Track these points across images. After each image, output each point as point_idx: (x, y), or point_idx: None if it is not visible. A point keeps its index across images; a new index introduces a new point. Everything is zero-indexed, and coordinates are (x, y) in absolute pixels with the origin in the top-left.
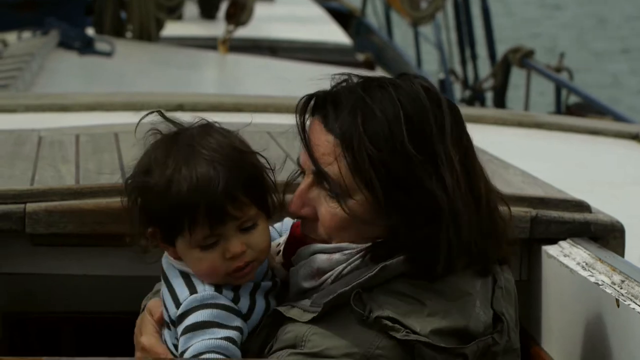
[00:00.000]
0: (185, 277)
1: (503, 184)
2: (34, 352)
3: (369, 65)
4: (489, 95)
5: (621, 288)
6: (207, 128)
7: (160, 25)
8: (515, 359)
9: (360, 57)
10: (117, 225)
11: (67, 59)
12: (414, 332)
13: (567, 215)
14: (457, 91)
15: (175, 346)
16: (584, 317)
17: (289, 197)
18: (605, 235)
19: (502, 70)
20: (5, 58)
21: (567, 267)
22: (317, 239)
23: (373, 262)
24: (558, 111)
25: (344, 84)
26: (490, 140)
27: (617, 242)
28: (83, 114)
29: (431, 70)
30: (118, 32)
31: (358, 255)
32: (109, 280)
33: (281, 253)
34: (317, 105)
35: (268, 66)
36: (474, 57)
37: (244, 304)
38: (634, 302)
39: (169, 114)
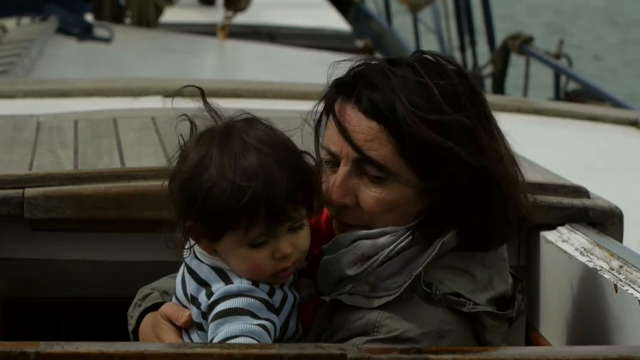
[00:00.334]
0: (219, 271)
1: None
2: (32, 337)
3: (368, 52)
4: (488, 82)
5: (619, 273)
6: (254, 122)
7: (159, 12)
8: (525, 316)
9: (359, 43)
10: (116, 210)
11: (66, 45)
12: (476, 304)
13: (566, 200)
14: None
15: None
16: (582, 302)
17: None
18: (604, 221)
19: (501, 56)
20: (4, 44)
21: (565, 252)
22: (352, 227)
23: (423, 240)
24: (557, 98)
25: (366, 66)
26: None
27: (616, 228)
28: (82, 100)
29: None
30: (117, 18)
31: (404, 237)
32: (107, 266)
33: None
34: (345, 88)
35: (267, 52)
36: (472, 43)
37: (277, 298)
38: (632, 287)
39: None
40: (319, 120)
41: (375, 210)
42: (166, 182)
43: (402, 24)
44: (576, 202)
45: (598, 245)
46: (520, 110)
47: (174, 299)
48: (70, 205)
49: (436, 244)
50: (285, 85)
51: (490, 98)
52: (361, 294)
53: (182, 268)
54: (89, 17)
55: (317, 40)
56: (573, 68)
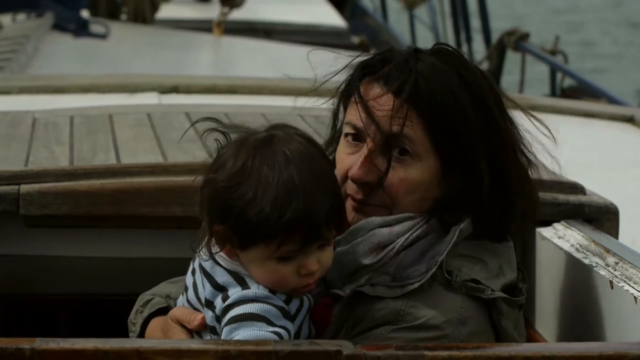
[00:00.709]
0: (236, 276)
1: None
2: (28, 334)
3: (364, 48)
4: None
5: (615, 270)
6: (292, 133)
7: (154, 8)
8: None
9: (356, 39)
10: (111, 206)
11: (61, 41)
12: (493, 290)
13: (562, 197)
14: None
15: None
16: (577, 299)
17: None
18: (600, 218)
19: (497, 53)
20: (0, 40)
21: (561, 249)
22: (370, 210)
23: (439, 228)
24: (553, 94)
25: (392, 52)
26: None
27: (611, 224)
28: (77, 96)
29: None
30: (113, 14)
31: (420, 224)
32: (103, 262)
33: None
34: (372, 68)
35: (263, 49)
36: (468, 40)
37: (294, 306)
38: (627, 283)
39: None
40: (339, 103)
41: (398, 190)
42: (161, 178)
43: (398, 20)
44: (572, 198)
45: (594, 241)
46: (515, 106)
47: (183, 302)
48: (65, 201)
49: (454, 231)
50: (281, 82)
51: None
52: (383, 284)
53: (190, 270)
54: (84, 13)
55: (313, 36)
56: (569, 64)
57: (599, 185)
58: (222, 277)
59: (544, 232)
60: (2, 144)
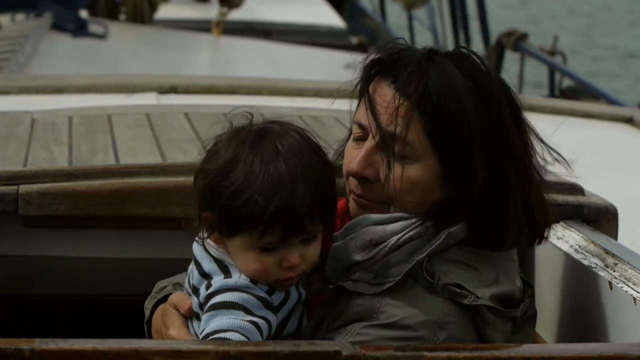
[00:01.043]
0: (220, 264)
1: None
2: (27, 334)
3: (363, 49)
4: None
5: (614, 271)
6: (288, 128)
7: (153, 8)
8: (534, 324)
9: (354, 40)
10: (110, 207)
11: (60, 41)
12: (477, 297)
13: (561, 198)
14: None
15: None
16: (577, 300)
17: None
18: (599, 218)
19: (496, 53)
20: None
21: (560, 250)
22: (367, 205)
23: (434, 231)
24: (552, 94)
25: (407, 51)
26: None
27: (610, 225)
28: (76, 96)
29: None
30: (112, 14)
31: (413, 226)
32: (101, 262)
33: None
34: (384, 68)
35: (262, 49)
36: (467, 40)
37: (277, 297)
38: (626, 284)
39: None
40: (368, 93)
41: (396, 188)
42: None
43: (397, 21)
44: (571, 199)
45: (593, 242)
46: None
47: (184, 289)
48: (64, 201)
49: (442, 233)
50: (280, 82)
51: None
52: (365, 281)
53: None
54: (83, 14)
55: (312, 36)
56: (567, 65)
57: (598, 186)
58: (208, 265)
59: None
60: (0, 144)
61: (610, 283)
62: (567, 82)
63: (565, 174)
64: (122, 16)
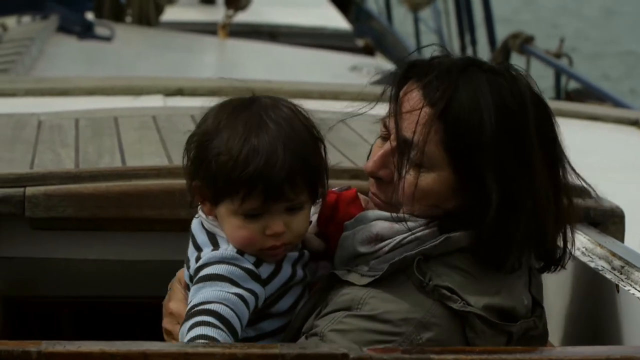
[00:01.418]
0: (211, 236)
1: None
2: (33, 336)
3: (369, 51)
4: None
5: (621, 274)
6: (279, 101)
7: (159, 10)
8: (544, 344)
9: (360, 42)
10: (117, 209)
11: (66, 44)
12: (469, 304)
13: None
14: None
15: None
16: (583, 302)
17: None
18: (605, 221)
19: (502, 56)
20: (5, 42)
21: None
22: (380, 204)
23: (440, 234)
24: (557, 97)
25: (446, 59)
26: None
27: (617, 228)
28: (83, 98)
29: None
30: (117, 16)
31: (421, 228)
32: (108, 265)
33: (314, 223)
34: (417, 73)
35: (267, 51)
36: (473, 42)
37: (265, 269)
38: (633, 287)
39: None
40: (397, 97)
41: (407, 193)
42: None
43: (402, 23)
44: (577, 202)
45: (599, 245)
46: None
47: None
48: (71, 204)
49: (441, 237)
50: (286, 84)
51: None
52: (358, 272)
53: None
54: (89, 16)
55: (318, 39)
56: (574, 67)
57: (605, 189)
58: (201, 237)
59: None
60: (7, 147)
61: (617, 286)
62: (572, 85)
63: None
64: (128, 18)
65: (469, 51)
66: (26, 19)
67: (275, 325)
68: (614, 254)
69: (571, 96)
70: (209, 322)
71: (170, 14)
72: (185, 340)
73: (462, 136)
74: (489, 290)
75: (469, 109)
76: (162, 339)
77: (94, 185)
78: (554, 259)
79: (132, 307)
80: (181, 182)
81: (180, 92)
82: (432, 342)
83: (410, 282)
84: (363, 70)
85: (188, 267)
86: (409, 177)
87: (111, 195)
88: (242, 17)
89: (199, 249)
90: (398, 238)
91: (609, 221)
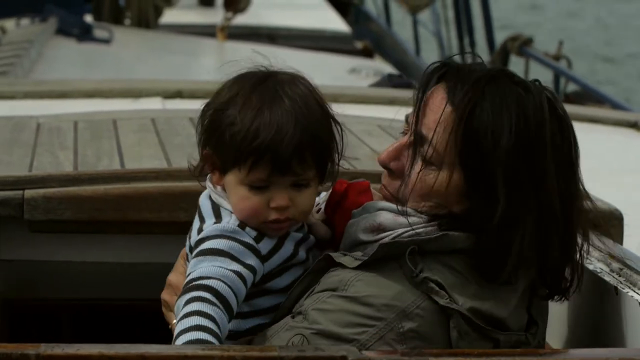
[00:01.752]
0: (216, 208)
1: None
2: (32, 339)
3: (368, 53)
4: None
5: (620, 276)
6: (297, 78)
7: (158, 13)
8: None
9: (359, 44)
10: (115, 211)
11: (65, 46)
12: (455, 303)
13: None
14: None
15: None
16: (582, 305)
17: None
18: (604, 223)
19: (501, 58)
20: (3, 45)
21: None
22: (388, 196)
23: (438, 232)
24: None
25: (481, 67)
26: None
27: (616, 230)
28: (81, 101)
29: (430, 58)
30: (116, 19)
31: (424, 224)
32: (107, 267)
33: (322, 210)
34: (447, 74)
35: (266, 53)
36: (472, 45)
37: (266, 245)
38: (632, 289)
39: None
40: (424, 94)
41: (415, 189)
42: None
43: (401, 25)
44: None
45: (598, 247)
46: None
47: None
48: (69, 206)
49: (441, 232)
50: None
51: None
52: (353, 256)
53: None
54: (88, 18)
55: (317, 41)
56: (572, 70)
57: (604, 191)
58: (206, 207)
59: None
60: (6, 149)
61: (615, 288)
62: (571, 87)
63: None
64: (127, 21)
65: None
66: (25, 21)
67: (271, 303)
68: (612, 257)
69: (570, 98)
70: (206, 298)
71: (169, 16)
72: (181, 314)
73: (477, 142)
74: (480, 295)
75: (491, 118)
76: (161, 342)
77: (93, 187)
78: (559, 287)
79: (131, 309)
80: (180, 184)
81: (179, 94)
82: (413, 333)
83: (402, 271)
84: (362, 72)
85: (189, 237)
86: (420, 174)
87: (110, 197)
88: (241, 19)
89: (202, 219)
90: (399, 231)
91: (607, 223)
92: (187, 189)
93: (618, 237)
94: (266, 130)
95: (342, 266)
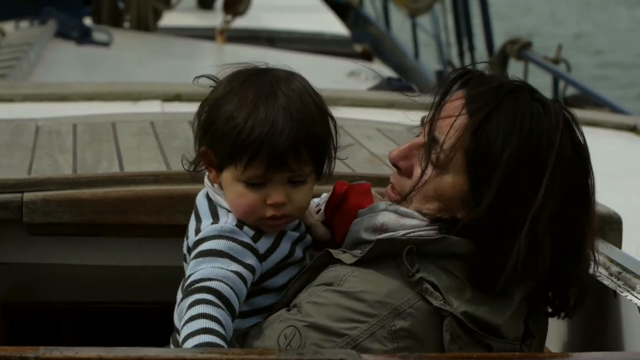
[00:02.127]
0: (213, 207)
1: None
2: (31, 342)
3: (367, 56)
4: None
5: (618, 279)
6: (293, 75)
7: (157, 15)
8: None
9: (358, 48)
10: (115, 215)
11: (64, 49)
12: (448, 303)
13: None
14: None
15: None
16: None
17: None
18: (603, 227)
19: (500, 62)
20: (2, 47)
21: None
22: (393, 197)
23: (439, 234)
24: None
25: (504, 77)
26: None
27: (615, 234)
28: (81, 104)
29: (429, 61)
30: (116, 22)
31: (426, 227)
32: (106, 270)
33: (322, 211)
34: (471, 80)
35: (266, 57)
36: (471, 48)
37: (263, 244)
38: (631, 293)
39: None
40: (443, 98)
41: (423, 189)
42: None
43: (400, 28)
44: None
45: (597, 251)
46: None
47: None
48: (68, 209)
49: (440, 233)
50: None
51: None
52: (352, 253)
53: None
54: (87, 21)
55: (316, 44)
56: (571, 73)
57: (603, 195)
58: (203, 206)
59: None
60: (5, 152)
61: (614, 292)
62: (570, 91)
63: None
64: (126, 24)
65: (467, 57)
66: (24, 24)
67: (269, 302)
68: (611, 260)
69: (569, 102)
70: (210, 301)
71: (169, 19)
72: (186, 317)
73: (484, 151)
74: (475, 300)
75: (502, 128)
76: (160, 344)
77: (92, 190)
78: (560, 305)
79: (130, 312)
80: (179, 187)
81: (178, 97)
82: (405, 332)
83: (398, 270)
84: (361, 75)
85: (187, 238)
86: (428, 174)
87: (109, 200)
88: (240, 22)
89: (199, 219)
90: (401, 232)
91: (606, 227)
92: (186, 192)
93: (617, 241)
94: (261, 126)
95: (341, 262)
